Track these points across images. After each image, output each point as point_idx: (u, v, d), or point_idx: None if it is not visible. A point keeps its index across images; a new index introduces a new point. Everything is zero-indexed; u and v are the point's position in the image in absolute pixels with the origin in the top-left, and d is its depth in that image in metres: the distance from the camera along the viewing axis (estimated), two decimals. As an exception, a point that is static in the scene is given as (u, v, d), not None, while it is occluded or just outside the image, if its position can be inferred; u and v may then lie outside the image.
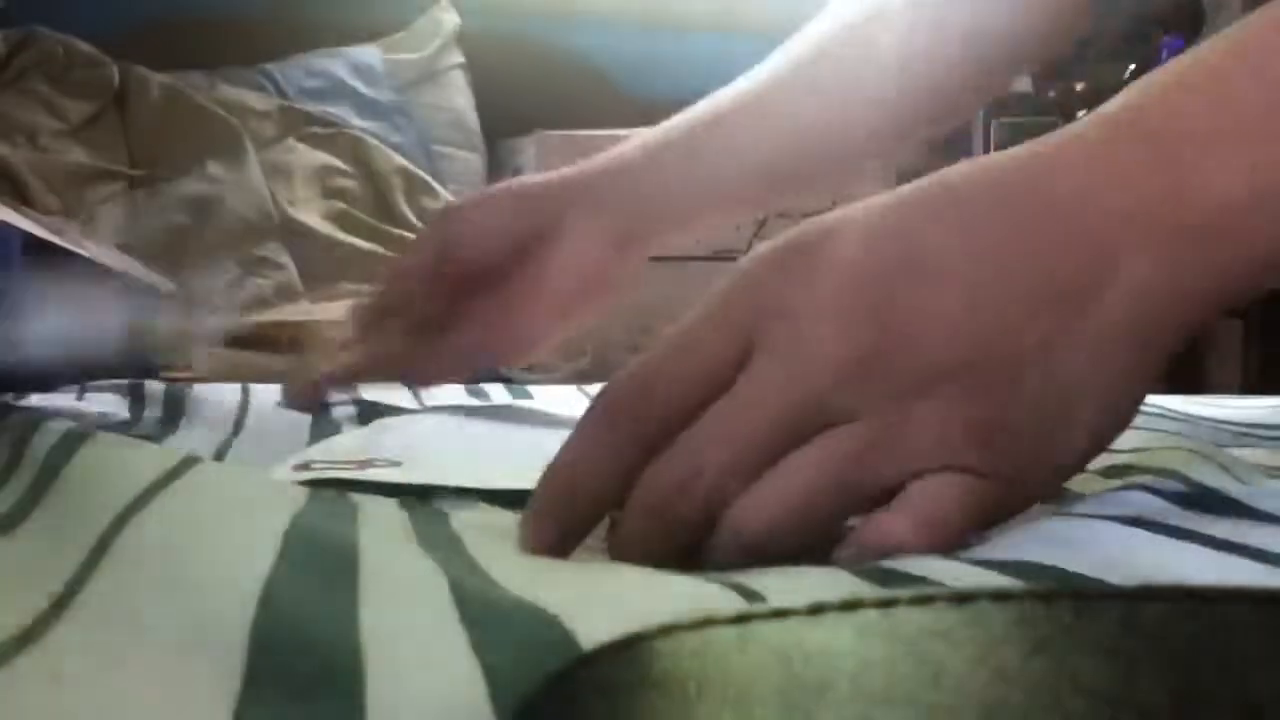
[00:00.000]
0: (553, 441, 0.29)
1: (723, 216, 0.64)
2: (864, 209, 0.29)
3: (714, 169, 0.56)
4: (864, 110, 0.57)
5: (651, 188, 0.56)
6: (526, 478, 0.31)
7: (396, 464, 0.38)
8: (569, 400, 0.69)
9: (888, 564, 0.24)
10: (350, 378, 0.59)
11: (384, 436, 0.46)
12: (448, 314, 0.55)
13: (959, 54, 0.57)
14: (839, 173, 0.64)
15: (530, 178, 0.58)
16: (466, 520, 0.31)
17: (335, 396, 0.62)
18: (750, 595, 0.21)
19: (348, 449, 0.42)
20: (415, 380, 0.61)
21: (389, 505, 0.34)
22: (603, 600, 0.19)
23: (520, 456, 0.45)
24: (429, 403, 0.64)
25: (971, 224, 0.27)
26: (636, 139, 0.58)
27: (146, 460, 0.28)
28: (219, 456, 0.42)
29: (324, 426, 0.49)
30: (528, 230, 0.54)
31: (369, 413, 0.57)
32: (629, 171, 0.56)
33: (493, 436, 0.51)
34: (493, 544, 0.26)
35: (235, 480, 0.29)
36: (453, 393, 0.71)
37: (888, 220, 0.28)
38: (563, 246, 0.54)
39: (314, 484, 0.35)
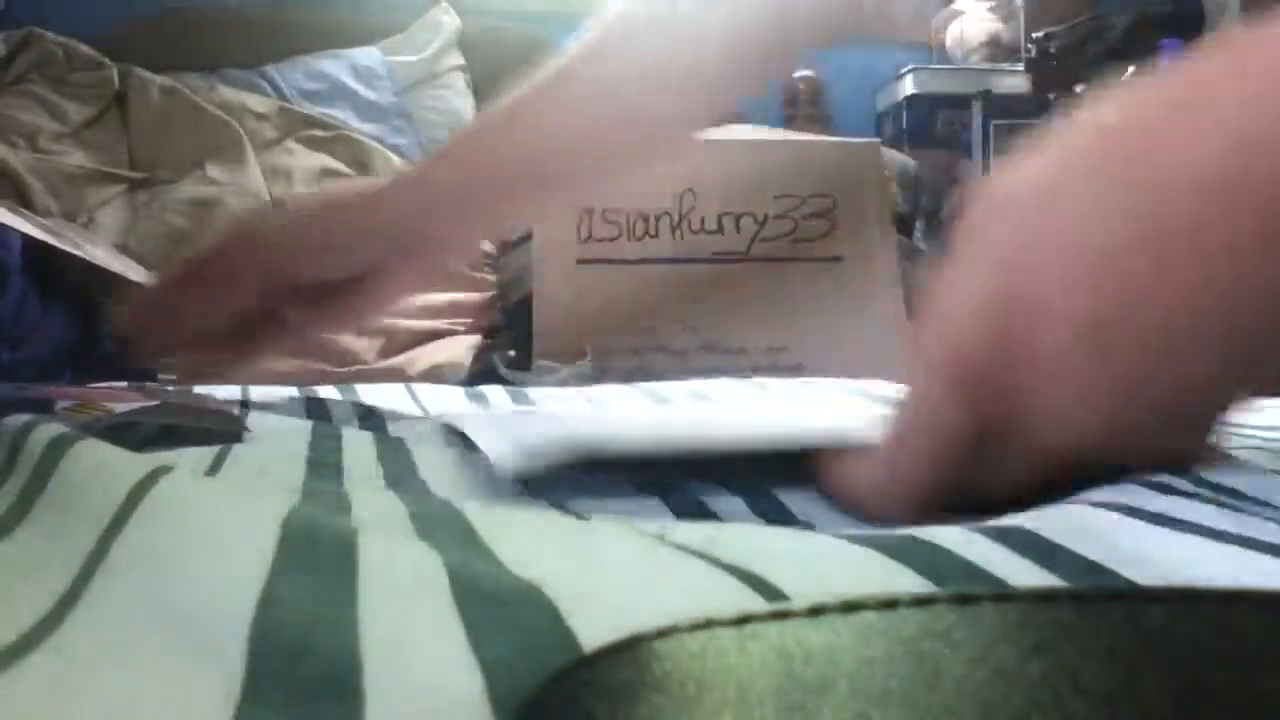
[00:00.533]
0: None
1: (511, 216, 0.69)
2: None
3: (481, 180, 0.58)
4: (680, 79, 0.58)
5: (440, 203, 0.58)
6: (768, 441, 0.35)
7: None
8: (570, 403, 0.69)
9: (906, 531, 0.25)
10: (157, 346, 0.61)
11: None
12: (257, 309, 0.58)
13: (752, 35, 0.57)
14: (632, 160, 0.65)
15: (347, 195, 0.60)
16: (476, 507, 0.31)
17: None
18: (763, 586, 0.21)
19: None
20: (213, 366, 0.63)
21: (388, 495, 0.34)
22: (605, 596, 0.19)
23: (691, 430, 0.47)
24: (432, 409, 0.64)
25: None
26: (436, 151, 0.60)
27: (135, 463, 0.28)
28: (220, 456, 0.42)
29: (325, 428, 0.49)
30: (336, 259, 0.57)
31: (367, 417, 0.57)
32: (417, 189, 0.58)
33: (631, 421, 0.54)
34: (501, 527, 0.26)
35: (225, 481, 0.29)
36: (454, 397, 0.71)
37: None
38: (367, 280, 0.57)
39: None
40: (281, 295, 0.57)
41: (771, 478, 0.36)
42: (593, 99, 0.58)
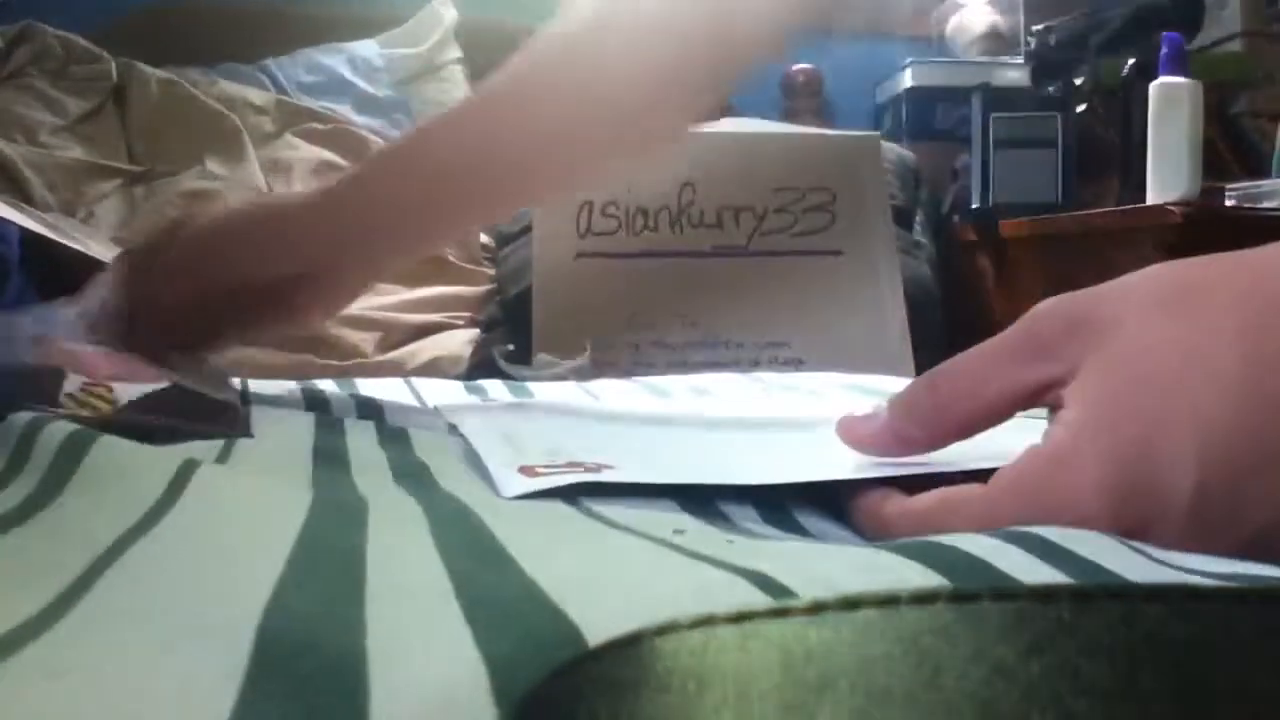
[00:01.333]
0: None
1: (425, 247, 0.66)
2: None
3: (414, 199, 0.56)
4: (612, 100, 0.57)
5: (370, 221, 0.56)
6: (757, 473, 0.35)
7: (609, 467, 0.36)
8: (569, 397, 0.69)
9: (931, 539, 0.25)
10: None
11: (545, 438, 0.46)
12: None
13: (720, 32, 0.56)
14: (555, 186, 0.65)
15: (284, 201, 0.59)
16: (483, 500, 0.31)
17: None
18: (767, 583, 0.21)
19: (540, 452, 0.40)
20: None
21: (398, 491, 0.34)
22: (608, 592, 0.19)
23: (697, 451, 0.46)
24: (431, 402, 0.64)
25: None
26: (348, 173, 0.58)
27: (157, 464, 0.28)
28: (224, 451, 0.42)
29: (328, 428, 0.49)
30: (268, 262, 0.55)
31: (365, 408, 0.57)
32: (345, 206, 0.56)
33: (632, 433, 0.52)
34: (510, 525, 0.26)
35: (246, 484, 0.29)
36: (453, 390, 0.71)
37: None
38: (300, 287, 0.55)
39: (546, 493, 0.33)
40: (226, 292, 0.56)
41: (788, 494, 0.36)
42: (519, 119, 0.57)
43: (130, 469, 0.28)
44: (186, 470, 0.26)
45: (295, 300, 0.57)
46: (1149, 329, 0.30)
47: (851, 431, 0.36)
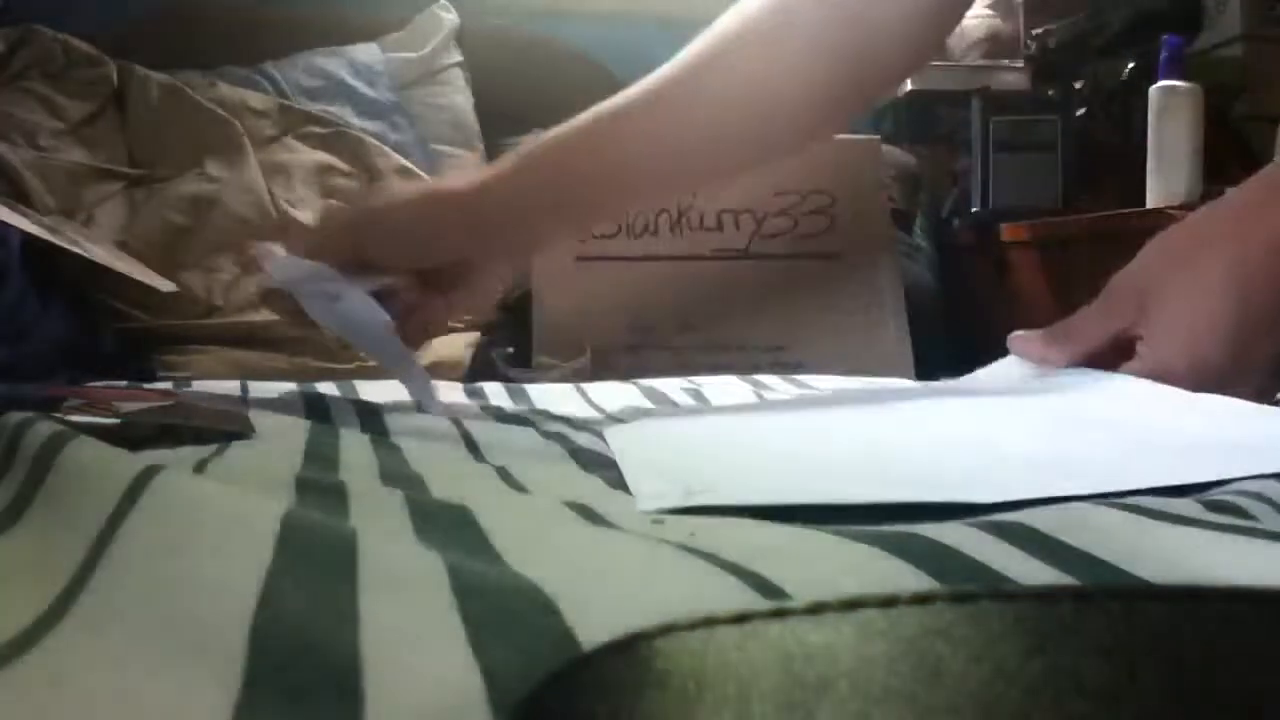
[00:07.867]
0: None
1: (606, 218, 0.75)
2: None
3: (586, 181, 0.61)
4: (765, 106, 0.62)
5: (528, 207, 0.60)
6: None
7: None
8: (567, 399, 0.68)
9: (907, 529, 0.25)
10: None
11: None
12: None
13: (865, 50, 0.62)
14: (713, 175, 0.72)
15: (438, 190, 0.63)
16: (476, 499, 0.31)
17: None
18: (763, 585, 0.21)
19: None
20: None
21: (384, 492, 0.33)
22: (605, 594, 0.19)
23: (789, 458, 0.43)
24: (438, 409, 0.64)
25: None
26: (524, 149, 0.62)
27: (128, 462, 0.28)
28: (216, 452, 0.42)
29: (324, 433, 0.49)
30: (426, 256, 0.60)
31: (366, 413, 0.57)
32: (507, 193, 0.60)
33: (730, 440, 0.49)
34: (503, 523, 0.26)
35: (214, 480, 0.29)
36: (452, 393, 0.71)
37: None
38: (457, 279, 0.60)
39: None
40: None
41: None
42: (682, 118, 0.61)
43: (103, 464, 0.28)
44: (153, 469, 0.26)
45: (454, 287, 0.60)
46: (1171, 287, 0.53)
47: (1022, 343, 0.58)
